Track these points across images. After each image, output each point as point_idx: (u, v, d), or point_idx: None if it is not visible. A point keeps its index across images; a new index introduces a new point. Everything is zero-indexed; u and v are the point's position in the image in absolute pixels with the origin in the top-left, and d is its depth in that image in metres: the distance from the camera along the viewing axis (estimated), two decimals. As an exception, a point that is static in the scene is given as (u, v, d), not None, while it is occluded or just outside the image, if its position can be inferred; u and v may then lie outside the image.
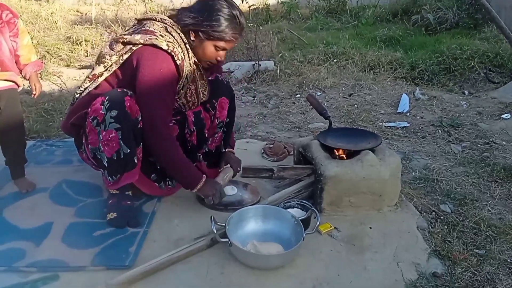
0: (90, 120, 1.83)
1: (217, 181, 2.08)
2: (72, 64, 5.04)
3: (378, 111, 3.62)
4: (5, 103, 2.11)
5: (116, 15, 6.74)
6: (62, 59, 5.10)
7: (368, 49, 5.09)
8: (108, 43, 1.94)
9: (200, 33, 1.90)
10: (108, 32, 6.11)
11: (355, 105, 3.73)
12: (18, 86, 2.18)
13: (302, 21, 7.12)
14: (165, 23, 1.92)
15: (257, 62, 4.52)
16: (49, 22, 6.42)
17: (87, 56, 5.36)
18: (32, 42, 2.27)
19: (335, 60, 4.81)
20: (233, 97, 2.31)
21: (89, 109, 1.84)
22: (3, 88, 2.08)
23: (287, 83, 4.31)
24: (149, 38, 1.82)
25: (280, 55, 4.90)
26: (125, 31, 2.03)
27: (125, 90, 1.84)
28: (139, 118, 1.85)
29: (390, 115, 3.54)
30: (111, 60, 1.90)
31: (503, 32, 4.16)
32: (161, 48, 1.83)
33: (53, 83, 4.12)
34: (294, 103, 3.84)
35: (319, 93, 4.03)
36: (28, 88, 2.24)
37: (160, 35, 1.86)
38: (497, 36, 5.00)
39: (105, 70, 1.92)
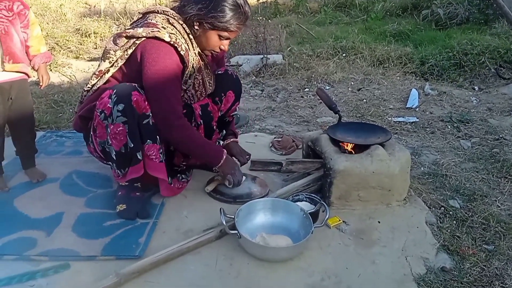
0: (98, 114, 1.84)
1: (235, 161, 2.16)
2: (81, 56, 5.06)
3: (387, 106, 3.60)
4: (16, 93, 2.13)
5: (125, 7, 6.75)
6: (71, 51, 5.12)
7: (378, 43, 5.06)
8: (112, 38, 1.94)
9: (204, 23, 1.90)
10: (116, 25, 6.12)
11: (364, 100, 3.71)
12: (29, 77, 2.20)
13: (311, 15, 7.09)
14: (167, 15, 1.92)
15: (265, 55, 4.51)
16: (58, 14, 6.45)
17: (96, 48, 5.37)
18: (42, 34, 2.27)
19: (344, 55, 4.79)
20: (240, 91, 2.33)
21: (97, 102, 1.85)
22: (15, 79, 2.10)
23: (295, 77, 4.29)
24: (151, 31, 1.83)
25: (288, 49, 4.88)
26: (129, 25, 2.03)
27: (133, 84, 1.85)
28: (147, 113, 1.86)
29: (399, 110, 3.52)
30: (116, 55, 1.90)
31: (514, 28, 4.12)
32: (163, 40, 1.83)
33: (63, 75, 4.14)
34: (302, 97, 3.83)
35: (327, 88, 4.02)
36: (36, 79, 2.24)
37: (162, 27, 1.86)
38: (508, 32, 4.94)
39: (111, 66, 1.93)
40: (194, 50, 1.97)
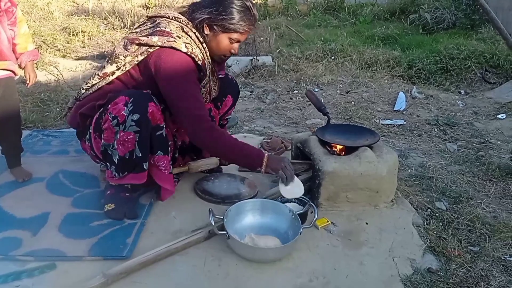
0: (109, 118, 1.80)
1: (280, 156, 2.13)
2: (68, 54, 5.01)
3: (375, 108, 3.63)
4: (3, 91, 2.10)
5: (113, 6, 6.70)
6: (59, 50, 5.06)
7: (366, 47, 5.12)
8: (122, 43, 1.92)
9: (214, 26, 1.90)
10: (104, 24, 6.07)
11: (352, 102, 3.74)
12: (16, 75, 2.17)
13: (300, 17, 7.13)
14: (180, 22, 1.90)
15: (255, 57, 4.52)
16: (45, 12, 6.38)
17: (83, 47, 5.32)
18: (29, 32, 2.25)
19: (332, 57, 4.83)
20: (237, 95, 2.35)
21: (110, 106, 1.81)
22: (1, 77, 2.06)
23: (284, 78, 4.31)
24: (167, 41, 1.81)
25: (278, 50, 4.90)
26: (136, 29, 1.99)
27: (150, 94, 1.84)
28: (161, 125, 1.85)
29: (386, 113, 3.56)
30: (125, 61, 1.88)
31: (500, 33, 4.20)
32: (180, 51, 1.82)
33: (50, 73, 4.09)
34: (291, 98, 3.85)
35: (316, 90, 4.04)
36: (23, 78, 2.21)
37: (177, 36, 1.85)
38: (494, 37, 5.04)
39: (118, 69, 1.91)
40: (208, 59, 1.98)
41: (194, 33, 1.91)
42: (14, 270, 1.61)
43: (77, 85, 3.81)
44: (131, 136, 1.79)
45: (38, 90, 3.54)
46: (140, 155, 1.84)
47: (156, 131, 1.85)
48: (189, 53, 1.84)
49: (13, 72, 2.12)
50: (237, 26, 1.90)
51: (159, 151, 1.90)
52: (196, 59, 1.87)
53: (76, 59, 4.91)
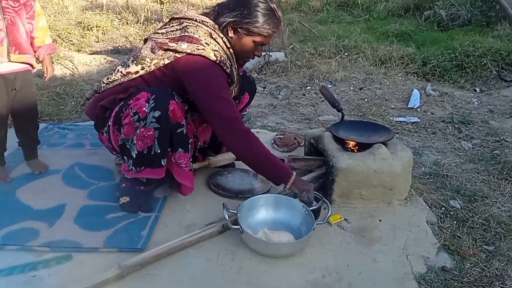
0: (131, 114, 1.81)
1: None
2: (83, 49, 5.04)
3: (388, 105, 3.61)
4: (20, 84, 2.12)
5: (127, 1, 6.72)
6: (73, 44, 5.10)
7: (380, 43, 5.07)
8: (150, 46, 1.92)
9: (239, 29, 1.89)
10: (118, 19, 6.10)
11: (366, 99, 3.72)
12: (34, 68, 2.19)
13: (313, 13, 7.08)
14: (208, 27, 1.89)
15: (268, 53, 4.51)
16: (60, 7, 6.41)
17: (98, 41, 5.35)
18: (47, 25, 2.27)
19: (346, 54, 4.79)
20: (254, 93, 2.36)
21: (132, 101, 1.83)
22: (20, 70, 2.09)
23: (297, 75, 4.30)
24: (196, 48, 1.82)
25: (291, 46, 4.88)
26: (161, 29, 1.97)
27: (172, 92, 1.85)
28: (182, 123, 1.86)
29: (400, 110, 3.53)
30: (151, 63, 1.89)
31: (517, 30, 4.13)
32: (209, 59, 1.83)
33: (65, 67, 4.13)
34: (304, 95, 3.84)
35: (329, 86, 4.02)
36: (40, 71, 2.24)
37: (206, 43, 1.85)
38: (510, 34, 4.95)
39: (142, 70, 1.92)
40: (234, 64, 1.98)
41: (222, 38, 1.91)
42: (31, 261, 1.64)
43: (91, 79, 3.85)
44: (151, 133, 1.80)
45: (53, 84, 3.57)
46: (159, 151, 1.85)
47: (177, 129, 1.86)
48: (217, 62, 1.85)
49: (31, 65, 2.15)
50: (262, 29, 1.88)
51: (179, 149, 1.91)
52: (225, 68, 1.88)
53: (90, 54, 4.94)
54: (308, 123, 3.24)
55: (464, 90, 4.08)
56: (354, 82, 4.11)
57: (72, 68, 4.08)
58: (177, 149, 1.91)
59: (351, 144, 2.17)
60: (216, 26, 1.91)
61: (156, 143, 1.82)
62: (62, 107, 3.24)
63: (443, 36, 5.25)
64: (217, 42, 1.89)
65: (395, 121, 3.28)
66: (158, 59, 1.88)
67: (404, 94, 3.85)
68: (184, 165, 1.95)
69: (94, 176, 2.25)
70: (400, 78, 4.26)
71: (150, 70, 1.91)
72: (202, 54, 1.82)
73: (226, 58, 1.90)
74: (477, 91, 4.08)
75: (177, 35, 1.88)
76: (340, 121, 2.37)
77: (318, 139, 2.27)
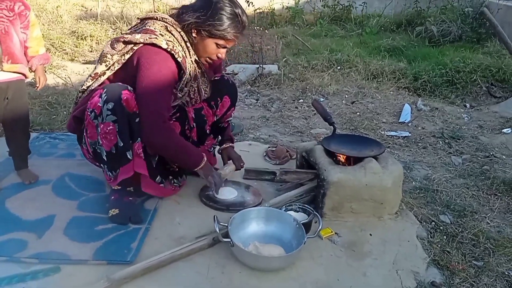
0: (88, 113, 1.85)
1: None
2: (76, 58, 5.05)
3: (380, 119, 3.64)
4: (13, 94, 2.12)
5: (122, 11, 6.76)
6: (67, 53, 5.11)
7: (372, 57, 5.14)
8: (110, 42, 1.95)
9: (202, 31, 1.93)
10: (113, 29, 6.12)
11: (358, 113, 3.75)
12: (26, 77, 2.19)
13: (307, 27, 7.16)
14: (166, 22, 1.94)
15: (261, 65, 4.55)
16: (54, 16, 6.43)
17: (91, 51, 5.37)
18: (41, 35, 2.27)
19: (338, 67, 4.84)
20: (236, 96, 2.35)
21: (89, 102, 1.86)
22: (13, 79, 2.09)
23: (290, 87, 4.33)
24: (149, 38, 1.84)
25: (284, 59, 4.93)
26: (127, 30, 2.05)
27: (125, 84, 1.86)
28: (138, 112, 1.86)
29: (391, 124, 3.56)
30: (112, 59, 1.92)
31: (507, 47, 4.22)
32: (160, 47, 1.84)
33: (58, 77, 4.13)
34: (297, 107, 3.86)
35: (322, 99, 4.05)
36: (32, 80, 2.24)
37: (160, 34, 1.88)
38: (500, 51, 5.05)
39: (107, 69, 1.94)
40: (191, 57, 2.00)
41: (179, 32, 1.94)
42: (19, 272, 1.62)
43: (84, 89, 3.84)
44: (111, 127, 1.81)
45: (46, 93, 3.56)
46: (122, 144, 1.85)
47: (135, 119, 1.86)
48: (169, 50, 1.86)
49: (24, 75, 2.15)
50: (225, 33, 1.92)
51: (138, 138, 1.91)
52: (176, 56, 1.88)
53: (84, 63, 4.94)
54: (300, 136, 3.26)
55: (455, 105, 4.14)
56: (346, 96, 4.14)
57: (65, 78, 4.07)
58: (136, 139, 1.90)
59: (343, 157, 2.18)
60: (176, 23, 1.94)
61: (118, 137, 1.83)
62: (54, 116, 3.23)
63: (434, 52, 5.33)
64: (172, 34, 1.92)
65: (386, 135, 3.31)
66: (118, 54, 1.90)
67: (396, 108, 3.89)
68: (142, 154, 1.94)
69: (84, 187, 2.24)
70: (391, 92, 4.31)
71: (114, 69, 1.93)
72: (154, 42, 1.84)
73: (180, 50, 1.91)
74: (467, 106, 4.13)
75: (136, 31, 1.93)
76: (332, 135, 2.39)
77: (310, 152, 2.28)
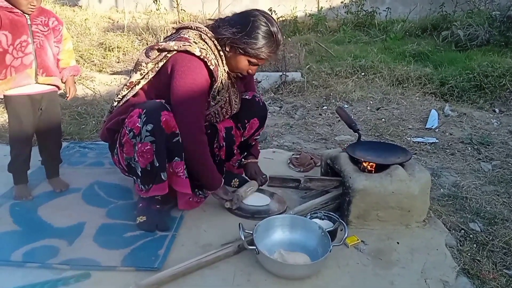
0: (126, 132, 1.88)
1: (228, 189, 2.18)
2: (104, 69, 5.19)
3: (406, 126, 3.59)
4: (46, 104, 2.20)
5: (147, 23, 6.90)
6: (95, 64, 5.25)
7: (397, 63, 5.08)
8: (144, 50, 2.00)
9: (236, 47, 1.93)
10: (139, 40, 6.26)
11: (383, 119, 3.71)
12: (59, 89, 2.27)
13: (330, 33, 7.15)
14: (200, 31, 1.96)
15: (284, 73, 4.56)
16: (82, 28, 6.63)
17: (118, 62, 5.50)
18: (73, 48, 2.35)
19: (362, 74, 4.81)
20: (265, 118, 2.35)
21: (126, 120, 1.89)
22: (46, 91, 2.17)
23: (314, 94, 4.33)
24: (182, 45, 1.87)
25: (307, 66, 4.93)
26: (163, 40, 2.08)
27: (163, 103, 1.88)
28: (176, 132, 1.88)
29: (418, 131, 3.51)
30: (147, 68, 1.95)
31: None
32: (194, 54, 1.87)
33: (87, 87, 4.25)
34: (320, 114, 3.85)
35: (346, 106, 4.03)
36: (63, 91, 2.32)
37: (194, 41, 1.90)
38: (530, 55, 4.92)
39: (142, 78, 1.98)
40: (223, 66, 2.01)
41: (213, 41, 1.95)
42: (51, 278, 1.67)
43: (112, 99, 3.92)
44: (149, 147, 1.84)
45: (75, 104, 3.68)
46: (158, 164, 1.88)
47: (173, 139, 1.89)
48: (202, 57, 1.88)
49: (57, 86, 2.23)
50: (258, 52, 1.92)
51: (176, 157, 1.93)
52: (209, 64, 1.90)
53: (111, 74, 5.07)
54: (324, 143, 3.25)
55: (483, 110, 4.04)
56: (371, 102, 4.11)
57: (93, 88, 4.19)
58: (174, 158, 1.93)
59: (368, 165, 2.16)
60: (210, 32, 1.96)
61: (155, 157, 1.86)
62: (83, 126, 3.32)
63: (461, 57, 5.24)
64: (206, 42, 1.94)
65: (413, 142, 3.26)
66: (152, 62, 1.93)
67: (422, 114, 3.83)
68: (181, 174, 1.96)
69: (113, 195, 2.29)
70: (417, 98, 4.25)
71: (149, 77, 1.96)
72: (188, 49, 1.86)
73: (212, 58, 1.93)
74: (496, 111, 4.03)
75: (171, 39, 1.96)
76: (356, 142, 2.37)
77: (335, 160, 2.27)
